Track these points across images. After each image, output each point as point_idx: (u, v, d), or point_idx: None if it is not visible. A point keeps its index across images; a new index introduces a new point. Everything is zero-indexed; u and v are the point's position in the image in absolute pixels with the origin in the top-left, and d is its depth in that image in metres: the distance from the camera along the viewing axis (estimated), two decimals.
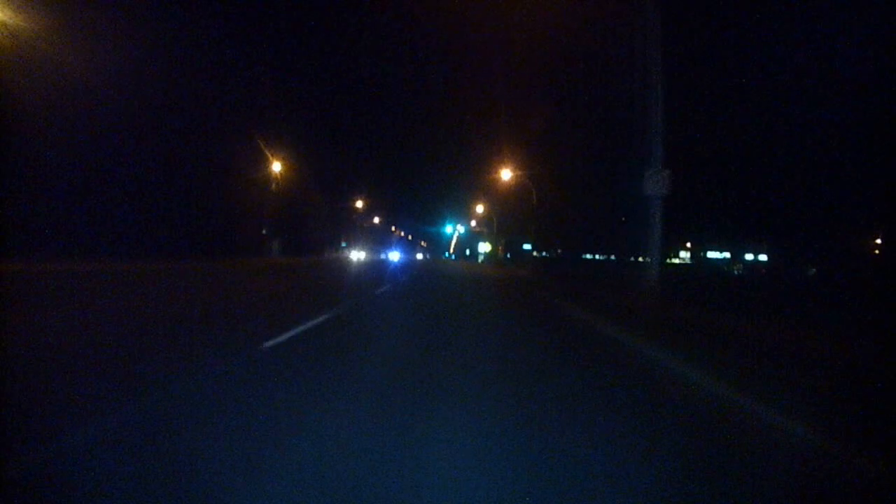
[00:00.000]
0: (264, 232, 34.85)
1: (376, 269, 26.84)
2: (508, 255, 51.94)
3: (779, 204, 18.69)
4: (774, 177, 18.60)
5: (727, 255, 50.06)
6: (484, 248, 59.23)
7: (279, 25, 37.78)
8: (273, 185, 31.21)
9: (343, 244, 55.23)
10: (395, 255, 56.09)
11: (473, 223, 60.67)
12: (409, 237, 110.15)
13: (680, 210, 26.24)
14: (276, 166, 31.14)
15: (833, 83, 14.18)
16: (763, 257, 46.24)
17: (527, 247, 38.58)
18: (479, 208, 51.51)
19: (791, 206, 18.06)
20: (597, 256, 50.90)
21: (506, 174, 29.61)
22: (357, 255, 46.30)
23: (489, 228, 51.72)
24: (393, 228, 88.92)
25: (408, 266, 34.02)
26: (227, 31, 27.32)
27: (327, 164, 42.69)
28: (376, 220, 66.70)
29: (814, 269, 20.16)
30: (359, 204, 55.33)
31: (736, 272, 43.00)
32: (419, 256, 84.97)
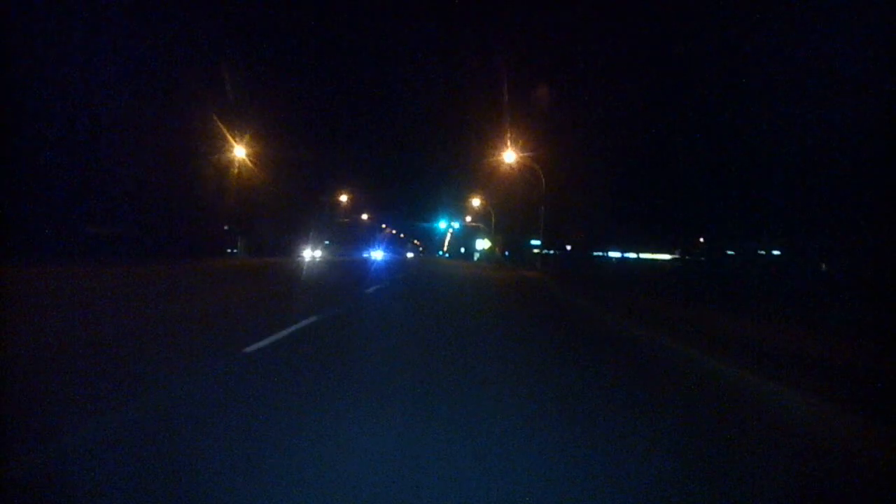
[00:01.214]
0: (226, 228, 32.69)
1: (331, 274, 20.61)
2: (507, 254, 51.51)
3: (792, 197, 18.89)
4: (786, 170, 18.82)
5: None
6: (482, 244, 58.10)
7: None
8: (235, 171, 28.14)
9: (326, 242, 54.45)
10: (378, 255, 54.02)
11: (469, 218, 59.65)
12: (402, 235, 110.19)
13: (688, 206, 26.27)
14: (240, 151, 27.79)
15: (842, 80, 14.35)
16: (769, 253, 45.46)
17: (535, 242, 35.92)
18: (476, 202, 50.55)
19: (806, 198, 18.27)
20: (649, 256, 46.76)
21: (509, 156, 27.35)
22: (311, 255, 39.90)
23: (487, 224, 51.13)
24: (384, 226, 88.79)
25: (389, 268, 29.32)
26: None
27: (307, 155, 40.50)
28: (365, 216, 66.37)
29: (824, 265, 20.30)
30: (343, 198, 54.48)
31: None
32: (410, 255, 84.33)
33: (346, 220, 59.19)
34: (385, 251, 61.37)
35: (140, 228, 24.43)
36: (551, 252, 37.67)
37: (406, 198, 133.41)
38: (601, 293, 13.62)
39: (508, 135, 27.09)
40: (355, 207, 60.99)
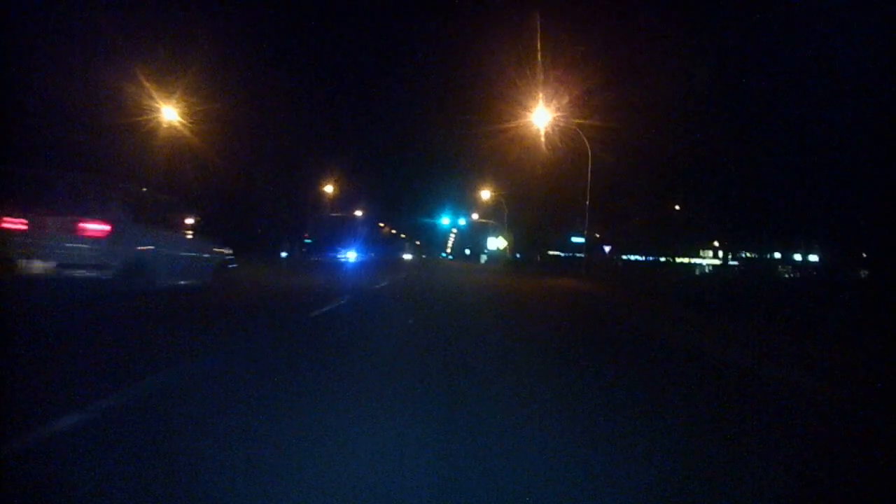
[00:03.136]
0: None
1: None
2: (518, 256, 49.19)
3: (833, 197, 18.73)
4: (829, 169, 18.67)
5: (772, 255, 46.99)
6: (496, 243, 53.93)
7: None
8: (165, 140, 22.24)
9: (307, 240, 52.06)
10: (351, 255, 48.21)
11: (475, 215, 56.80)
12: (402, 235, 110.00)
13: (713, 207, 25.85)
14: (170, 113, 21.95)
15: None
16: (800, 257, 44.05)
17: (578, 240, 30.58)
18: (486, 193, 48.02)
19: (848, 199, 18.06)
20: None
21: (539, 117, 22.91)
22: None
23: (498, 220, 48.57)
24: (381, 224, 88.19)
25: (345, 279, 19.31)
26: None
27: (282, 135, 36.62)
28: (359, 213, 65.43)
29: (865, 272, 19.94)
30: (328, 189, 51.54)
31: (787, 275, 39.51)
32: (407, 257, 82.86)
33: (336, 215, 56.50)
34: (362, 251, 54.03)
35: None
36: (569, 255, 34.86)
37: (408, 195, 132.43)
38: None
39: (541, 94, 22.52)
40: (350, 204, 59.55)
